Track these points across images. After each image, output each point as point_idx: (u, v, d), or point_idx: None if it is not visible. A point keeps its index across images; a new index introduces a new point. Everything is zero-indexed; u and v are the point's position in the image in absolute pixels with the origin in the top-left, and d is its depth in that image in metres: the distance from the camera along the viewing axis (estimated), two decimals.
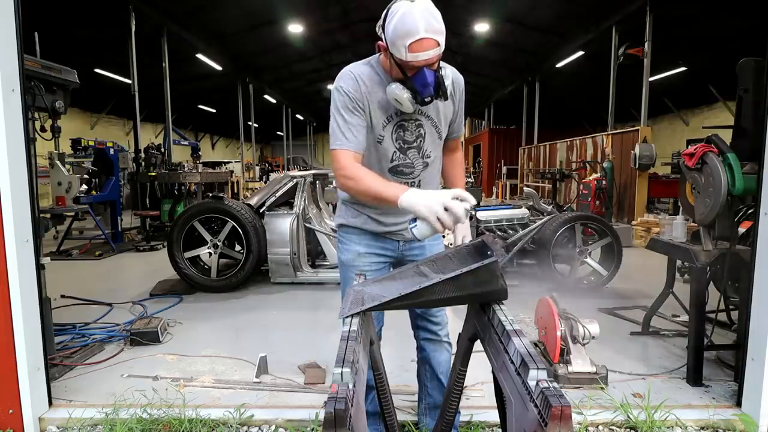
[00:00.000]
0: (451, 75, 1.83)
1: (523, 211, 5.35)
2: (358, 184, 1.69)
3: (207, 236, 5.00)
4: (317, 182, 5.80)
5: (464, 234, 1.87)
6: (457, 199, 1.46)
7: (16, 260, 2.23)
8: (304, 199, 5.16)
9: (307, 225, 5.14)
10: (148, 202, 8.67)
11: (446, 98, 1.75)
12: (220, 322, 4.06)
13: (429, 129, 1.87)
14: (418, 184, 1.91)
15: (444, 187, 2.16)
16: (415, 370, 2.18)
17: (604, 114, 11.52)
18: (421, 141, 1.88)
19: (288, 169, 19.20)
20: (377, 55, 1.82)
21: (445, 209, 1.45)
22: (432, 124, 1.87)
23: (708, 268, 2.90)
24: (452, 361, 1.74)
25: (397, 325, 2.12)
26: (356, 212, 1.98)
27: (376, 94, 1.78)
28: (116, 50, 10.72)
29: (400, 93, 1.69)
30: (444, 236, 1.59)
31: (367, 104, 1.79)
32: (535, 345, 3.05)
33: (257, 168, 20.87)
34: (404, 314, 2.09)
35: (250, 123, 19.78)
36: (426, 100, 1.70)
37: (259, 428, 2.43)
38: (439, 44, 1.60)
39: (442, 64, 1.81)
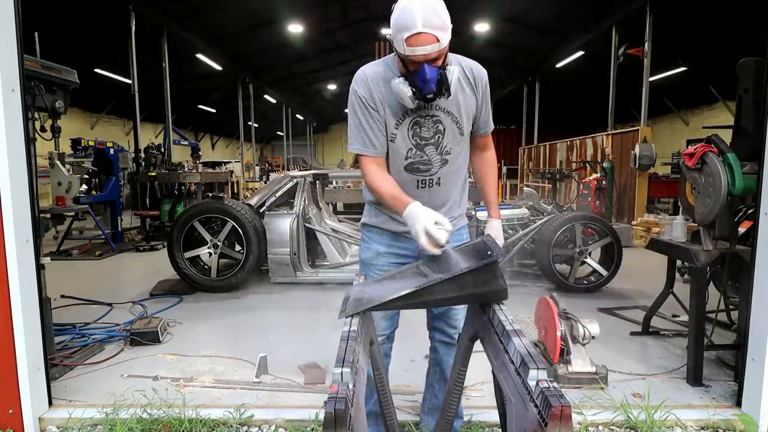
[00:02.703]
0: (472, 69, 1.84)
1: (523, 211, 5.35)
2: (377, 193, 1.81)
3: (207, 236, 4.99)
4: (317, 182, 5.80)
5: (494, 236, 1.88)
6: (437, 224, 1.54)
7: (16, 260, 2.22)
8: (304, 199, 5.16)
9: (307, 225, 5.14)
10: (148, 202, 8.67)
11: (449, 96, 1.71)
12: (220, 322, 4.06)
13: (449, 125, 1.83)
14: (437, 182, 1.88)
15: (475, 188, 2.15)
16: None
17: (604, 114, 11.52)
18: (439, 137, 1.84)
19: (288, 169, 19.20)
20: (394, 53, 1.80)
21: (427, 234, 1.54)
22: (452, 120, 1.83)
23: (708, 268, 2.90)
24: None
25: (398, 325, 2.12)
26: (377, 212, 1.99)
27: (389, 92, 1.77)
28: (116, 50, 10.72)
29: (401, 88, 1.68)
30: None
31: (380, 104, 1.80)
32: (535, 345, 3.06)
33: (257, 168, 20.86)
34: (404, 314, 2.09)
35: (250, 123, 19.79)
36: (428, 96, 1.67)
37: (259, 428, 2.43)
38: (438, 40, 1.58)
39: (456, 59, 1.82)
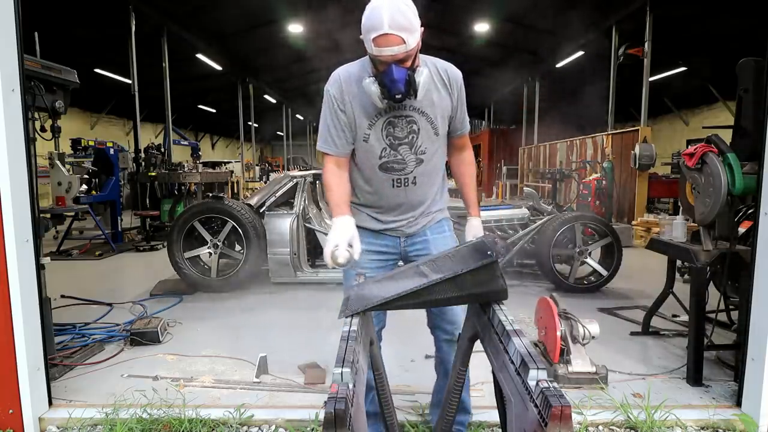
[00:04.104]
0: (447, 70, 1.87)
1: (523, 211, 5.34)
2: (327, 191, 1.88)
3: (207, 236, 5.00)
4: (317, 182, 5.79)
5: (475, 234, 1.92)
6: (350, 245, 1.68)
7: (16, 260, 2.22)
8: (304, 199, 5.16)
9: (307, 225, 5.14)
10: (148, 202, 8.67)
11: (416, 97, 1.74)
12: (220, 322, 4.06)
13: (424, 125, 1.86)
14: (413, 181, 1.91)
15: (456, 189, 2.18)
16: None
17: (604, 114, 11.52)
18: (413, 137, 1.86)
19: (288, 169, 19.20)
20: None
21: (335, 247, 1.66)
22: (427, 120, 1.86)
23: (708, 268, 2.90)
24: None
25: (397, 325, 2.12)
26: (356, 210, 2.00)
27: (362, 93, 1.79)
28: (116, 50, 10.72)
29: (371, 88, 1.71)
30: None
31: (350, 105, 1.83)
32: (535, 345, 3.05)
33: (257, 168, 20.86)
34: (404, 314, 2.09)
35: (250, 123, 19.78)
36: (396, 96, 1.69)
37: (259, 428, 2.43)
38: (404, 41, 1.60)
39: (431, 61, 1.85)
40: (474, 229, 1.95)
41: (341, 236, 1.68)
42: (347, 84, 1.82)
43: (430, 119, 1.86)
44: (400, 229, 1.98)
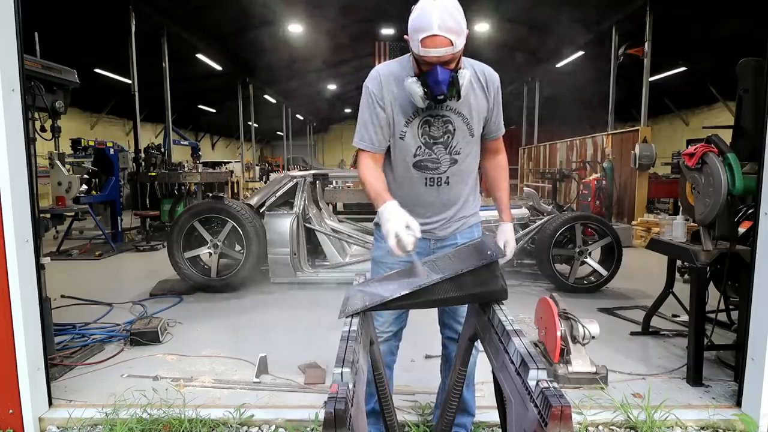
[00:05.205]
0: (484, 72, 1.88)
1: (523, 211, 5.34)
2: (364, 185, 1.84)
3: (207, 236, 5.00)
4: (317, 182, 5.80)
5: (506, 239, 1.92)
6: (408, 228, 1.58)
7: (16, 260, 2.22)
8: (304, 199, 5.16)
9: (307, 225, 5.14)
10: (148, 202, 8.68)
11: (459, 98, 1.75)
12: (220, 322, 4.06)
13: (459, 125, 1.87)
14: (446, 181, 1.91)
15: (486, 191, 2.17)
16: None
17: (604, 114, 11.52)
18: (449, 137, 1.87)
19: (288, 169, 19.19)
20: (410, 54, 1.83)
21: (397, 237, 1.56)
22: (463, 121, 1.86)
23: (708, 268, 2.90)
24: (455, 362, 1.74)
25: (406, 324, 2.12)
26: None
27: (401, 91, 1.81)
28: (116, 50, 10.72)
29: (414, 88, 1.72)
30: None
31: (388, 102, 1.84)
32: (535, 345, 3.05)
33: (257, 168, 20.86)
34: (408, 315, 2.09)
35: (250, 123, 19.79)
36: (438, 97, 1.70)
37: (259, 428, 2.43)
38: (452, 43, 1.61)
39: (469, 62, 1.86)
40: (505, 235, 1.95)
41: (397, 223, 1.60)
42: (387, 82, 1.84)
43: (466, 120, 1.87)
44: (431, 231, 1.97)
